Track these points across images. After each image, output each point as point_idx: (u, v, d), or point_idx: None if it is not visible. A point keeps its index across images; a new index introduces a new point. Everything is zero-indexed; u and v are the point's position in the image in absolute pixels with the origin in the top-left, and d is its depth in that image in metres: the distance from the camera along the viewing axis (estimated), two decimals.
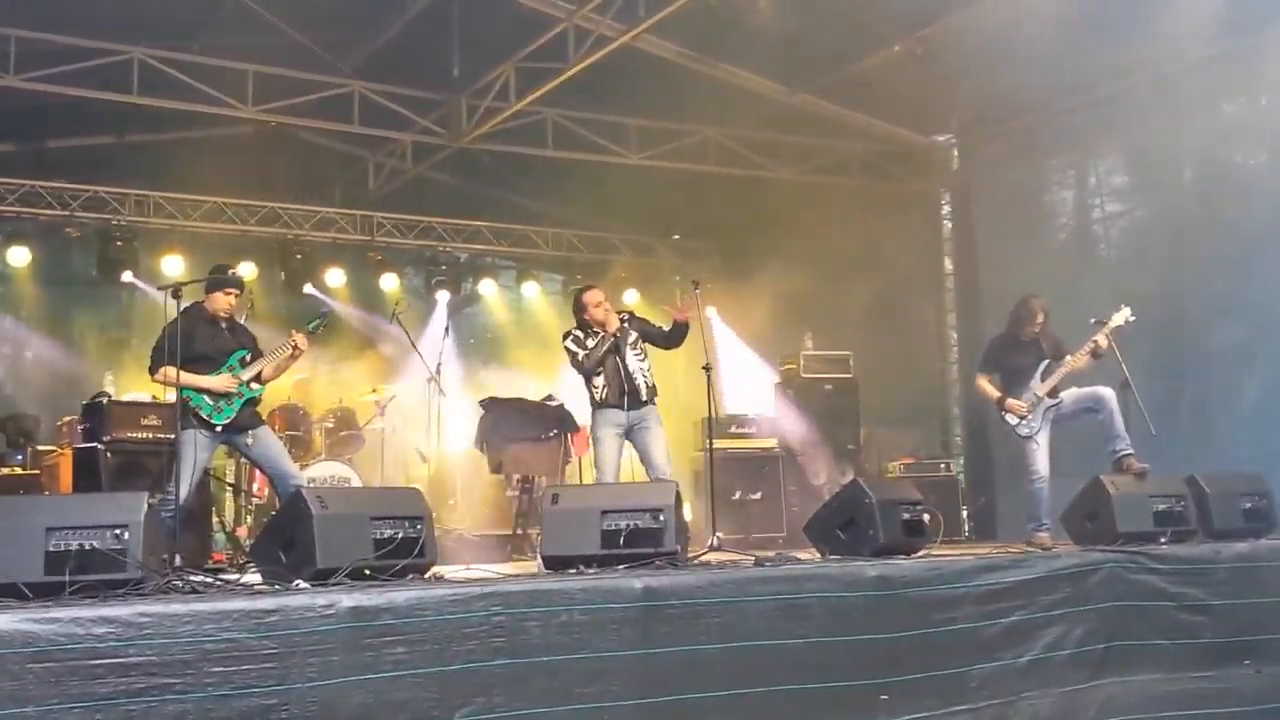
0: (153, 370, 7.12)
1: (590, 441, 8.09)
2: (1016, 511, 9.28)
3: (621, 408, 7.84)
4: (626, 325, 8.07)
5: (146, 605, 4.24)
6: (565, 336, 8.16)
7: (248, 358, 7.38)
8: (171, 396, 6.99)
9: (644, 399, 7.92)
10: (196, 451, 7.03)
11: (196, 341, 7.18)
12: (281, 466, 7.31)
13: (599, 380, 7.91)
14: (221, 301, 7.38)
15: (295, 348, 7.42)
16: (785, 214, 13.49)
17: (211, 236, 13.28)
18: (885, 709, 5.63)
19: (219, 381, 7.16)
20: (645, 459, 7.91)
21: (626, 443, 7.97)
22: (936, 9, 10.39)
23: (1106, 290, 9.94)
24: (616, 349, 7.94)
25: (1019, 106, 11.85)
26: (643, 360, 8.03)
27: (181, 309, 7.12)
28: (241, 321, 7.67)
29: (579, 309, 8.13)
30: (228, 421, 7.13)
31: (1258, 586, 6.98)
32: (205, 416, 7.06)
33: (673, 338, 8.04)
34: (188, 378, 7.03)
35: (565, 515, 6.05)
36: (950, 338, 13.22)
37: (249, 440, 7.25)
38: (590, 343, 7.96)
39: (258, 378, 7.34)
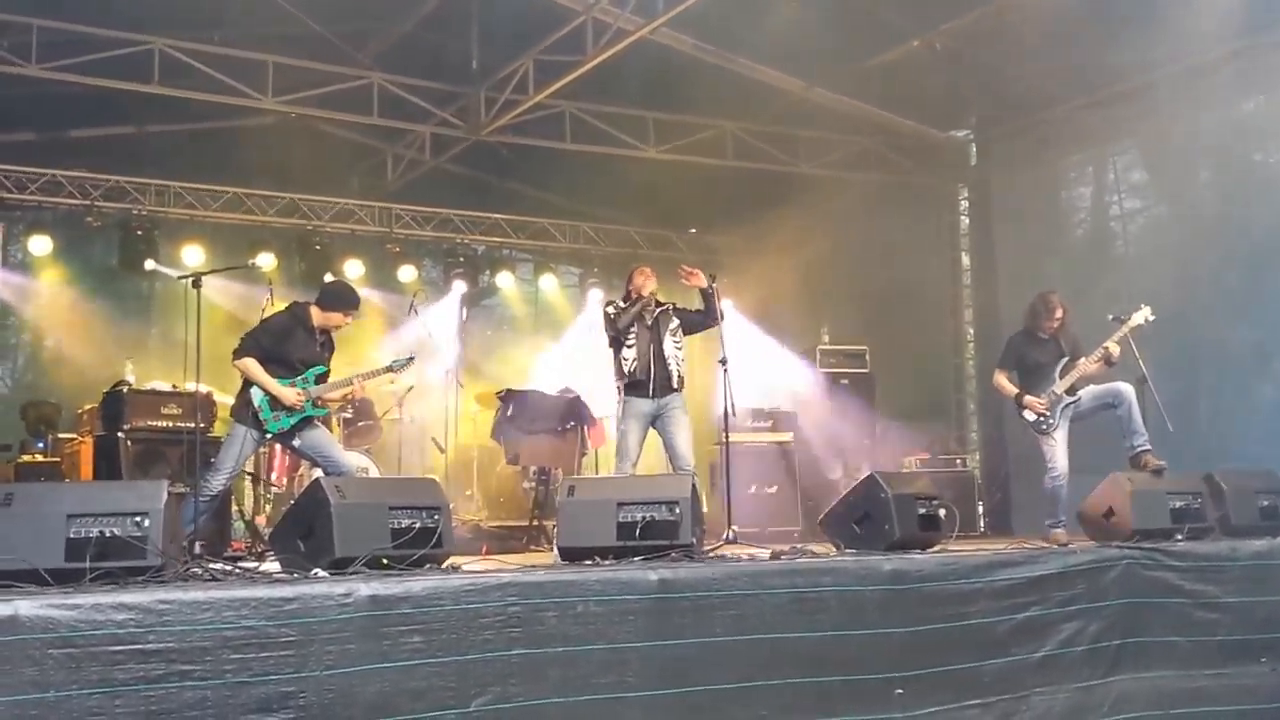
0: (237, 354, 7.08)
1: (616, 429, 8.13)
2: (1033, 507, 9.28)
3: (648, 394, 7.92)
4: (669, 311, 8.18)
5: (166, 592, 4.28)
6: (606, 304, 8.37)
7: (325, 375, 7.32)
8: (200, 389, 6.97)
9: (673, 386, 8.01)
10: (243, 447, 7.05)
11: (290, 345, 7.17)
12: (332, 454, 7.27)
13: (629, 353, 7.99)
14: (338, 320, 7.36)
15: (354, 393, 7.47)
16: (802, 208, 13.48)
17: (231, 227, 13.36)
18: (899, 703, 5.65)
19: (288, 394, 7.05)
20: (669, 448, 8.00)
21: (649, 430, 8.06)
22: (955, 5, 10.36)
23: (1124, 287, 9.94)
24: (656, 333, 8.04)
25: (1037, 102, 11.82)
26: (680, 349, 8.14)
27: (287, 306, 7.11)
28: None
29: (628, 280, 8.38)
30: (280, 432, 7.11)
31: (1274, 584, 6.95)
32: (262, 420, 7.02)
33: (709, 312, 8.18)
34: (265, 378, 7.01)
35: (581, 507, 6.07)
36: (967, 333, 13.20)
37: (297, 442, 7.24)
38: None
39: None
